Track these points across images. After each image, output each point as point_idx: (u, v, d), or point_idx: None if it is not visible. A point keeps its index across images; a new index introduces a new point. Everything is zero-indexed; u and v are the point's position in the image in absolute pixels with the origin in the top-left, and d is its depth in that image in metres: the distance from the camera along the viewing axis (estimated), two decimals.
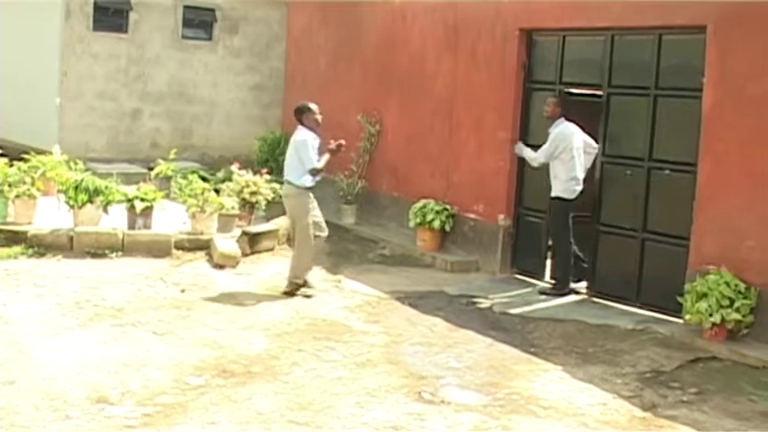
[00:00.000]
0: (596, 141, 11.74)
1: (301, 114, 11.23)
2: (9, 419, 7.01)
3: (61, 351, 8.57)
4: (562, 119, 11.83)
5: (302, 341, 9.41)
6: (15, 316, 9.52)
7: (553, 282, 12.10)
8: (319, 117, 11.26)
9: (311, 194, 11.21)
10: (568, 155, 11.69)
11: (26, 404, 7.31)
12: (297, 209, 11.19)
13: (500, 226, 12.91)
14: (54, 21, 17.41)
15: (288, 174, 11.22)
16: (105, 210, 12.39)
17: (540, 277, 12.56)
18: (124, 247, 12.04)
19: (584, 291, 11.88)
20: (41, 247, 11.76)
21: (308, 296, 11.07)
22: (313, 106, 11.28)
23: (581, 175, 11.77)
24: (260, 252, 12.83)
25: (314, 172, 11.07)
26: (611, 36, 11.54)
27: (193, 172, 14.68)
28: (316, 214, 11.28)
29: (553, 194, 11.84)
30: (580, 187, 11.77)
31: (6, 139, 17.81)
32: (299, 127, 11.21)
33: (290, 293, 11.05)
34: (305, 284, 11.22)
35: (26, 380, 7.82)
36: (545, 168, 12.36)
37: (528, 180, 12.85)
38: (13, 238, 11.88)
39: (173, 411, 7.39)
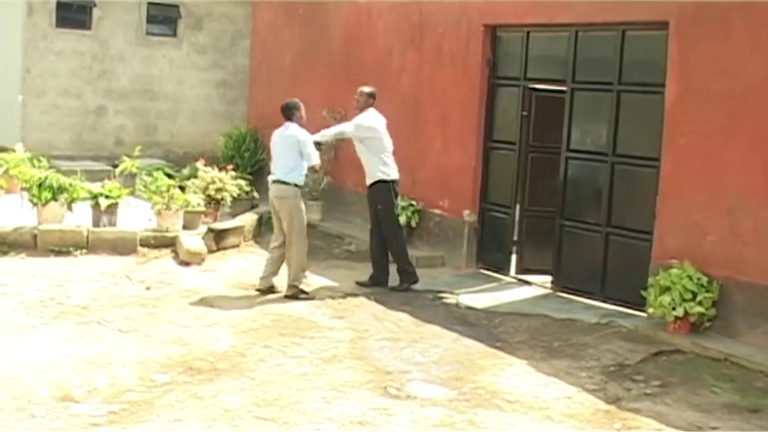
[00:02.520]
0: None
1: (292, 111, 11.22)
2: None
3: (25, 350, 8.52)
4: (370, 109, 11.84)
5: (268, 337, 9.42)
6: None
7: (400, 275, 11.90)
8: (304, 114, 11.39)
9: (300, 192, 11.26)
10: (376, 141, 11.71)
11: None
12: (294, 209, 11.11)
13: (465, 221, 12.95)
14: (16, 17, 17.27)
15: (281, 173, 11.07)
16: (69, 207, 12.32)
17: (506, 272, 12.63)
18: (89, 245, 11.98)
19: (550, 285, 11.95)
20: (4, 245, 11.68)
21: (310, 298, 11.01)
22: (300, 103, 11.34)
23: (391, 159, 11.83)
24: (226, 249, 12.81)
25: (315, 168, 11.28)
26: (575, 32, 11.61)
27: (158, 169, 14.64)
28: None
29: (371, 181, 11.81)
30: (396, 171, 11.83)
31: None
32: (288, 124, 11.17)
33: (292, 297, 10.95)
34: (301, 285, 11.13)
35: None
36: (510, 165, 12.43)
37: (493, 176, 12.91)
38: None
39: (139, 409, 7.37)
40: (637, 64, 10.95)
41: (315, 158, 11.14)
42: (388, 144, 11.77)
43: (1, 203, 12.46)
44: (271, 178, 11.21)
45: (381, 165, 11.67)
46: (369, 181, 11.77)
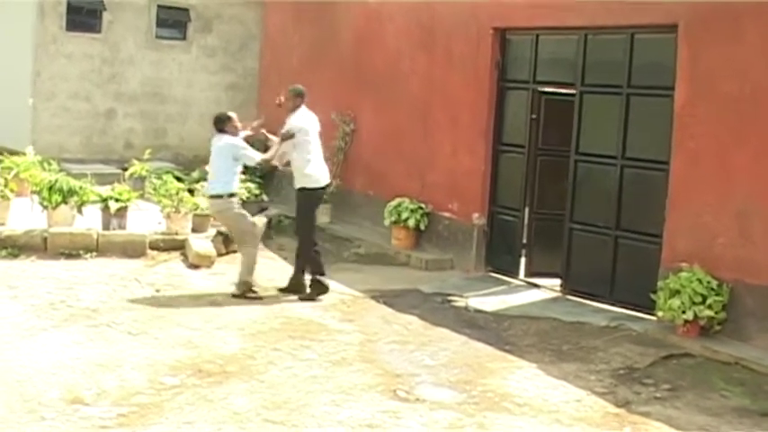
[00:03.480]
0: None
1: (223, 124, 11.15)
2: None
3: (36, 352, 8.54)
4: (301, 108, 11.42)
5: (277, 340, 9.42)
6: None
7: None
8: (239, 125, 11.28)
9: (236, 198, 11.21)
10: (304, 143, 11.31)
11: (0, 406, 7.28)
12: (233, 218, 11.11)
13: (475, 224, 12.95)
14: (27, 21, 17.32)
15: (212, 187, 11.09)
16: (79, 210, 12.34)
17: (515, 275, 12.62)
18: (99, 248, 12.00)
19: (559, 288, 11.94)
20: (15, 248, 11.70)
21: (258, 297, 10.95)
22: (233, 115, 11.28)
23: (321, 163, 11.41)
24: (235, 252, 12.75)
25: (263, 162, 11.27)
26: (584, 35, 11.61)
27: (168, 172, 14.64)
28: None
29: (297, 186, 11.42)
30: (325, 176, 11.48)
31: None
32: (220, 135, 11.11)
33: (240, 296, 10.89)
34: (253, 286, 11.08)
35: (0, 381, 7.79)
36: (519, 168, 12.44)
37: (502, 179, 12.91)
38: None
39: (148, 411, 7.38)
40: (646, 67, 10.94)
41: (253, 157, 11.06)
42: (316, 146, 11.39)
43: (11, 206, 12.47)
44: (204, 192, 11.23)
45: (308, 169, 11.23)
46: (295, 185, 11.42)
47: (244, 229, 11.12)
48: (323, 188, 11.50)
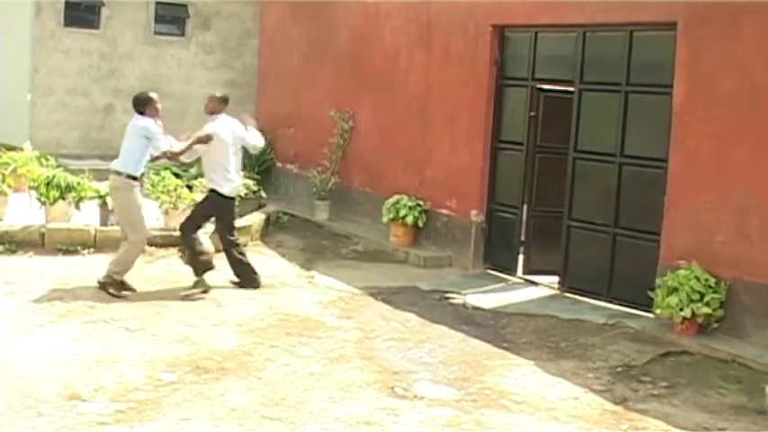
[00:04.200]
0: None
1: (144, 105, 10.77)
2: None
3: (33, 348, 8.54)
4: (221, 115, 11.21)
5: (275, 337, 9.42)
6: None
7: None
8: (159, 106, 10.97)
9: (139, 187, 10.84)
10: (218, 150, 11.07)
11: None
12: (126, 201, 10.70)
13: (473, 221, 12.94)
14: (25, 16, 17.32)
15: (115, 162, 10.71)
16: (77, 206, 12.35)
17: (513, 272, 12.61)
18: (96, 244, 12.01)
19: (557, 286, 11.94)
20: (12, 243, 11.70)
21: (118, 295, 10.39)
22: (154, 96, 10.97)
23: (229, 170, 11.10)
24: None
25: (170, 155, 10.89)
26: (583, 32, 11.60)
27: (166, 168, 14.63)
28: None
29: (208, 187, 11.32)
30: (234, 183, 11.21)
31: None
32: (139, 116, 10.75)
33: (102, 287, 10.43)
34: (123, 283, 10.61)
35: None
36: (517, 165, 12.45)
37: (500, 176, 12.91)
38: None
39: (145, 408, 7.38)
40: (645, 64, 10.93)
41: (161, 145, 10.72)
42: (228, 155, 11.09)
43: (9, 202, 12.46)
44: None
45: (230, 174, 11.08)
46: (210, 185, 11.23)
47: (132, 219, 10.68)
48: (232, 198, 11.29)
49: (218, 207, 11.20)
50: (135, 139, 10.68)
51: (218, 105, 11.24)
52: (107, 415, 7.19)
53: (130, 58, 18.08)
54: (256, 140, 11.64)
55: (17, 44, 17.63)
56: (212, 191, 11.16)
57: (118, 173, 10.66)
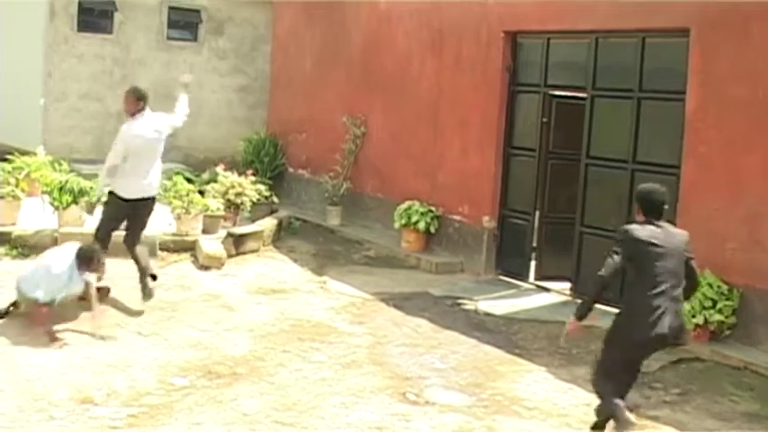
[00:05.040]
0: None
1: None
2: None
3: (45, 352, 8.56)
4: (143, 113, 10.28)
5: (287, 342, 9.44)
6: None
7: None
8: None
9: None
10: (135, 150, 10.15)
11: (10, 405, 7.31)
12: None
13: (485, 228, 12.94)
14: (38, 21, 17.36)
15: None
16: (90, 211, 12.34)
17: (525, 278, 12.60)
18: (108, 249, 12.00)
19: (569, 292, 11.92)
20: (25, 248, 11.71)
21: None
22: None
23: (138, 171, 10.17)
24: (245, 253, 12.82)
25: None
26: (596, 39, 11.60)
27: (178, 173, 14.65)
28: None
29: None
30: (137, 188, 10.22)
31: None
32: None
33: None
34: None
35: (10, 381, 7.83)
36: (530, 171, 12.44)
37: (512, 182, 12.90)
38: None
39: (158, 412, 7.40)
40: (657, 71, 10.93)
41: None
42: (144, 155, 10.18)
43: (22, 206, 12.49)
44: None
45: (121, 175, 10.11)
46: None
47: None
48: (127, 200, 10.23)
49: (110, 205, 10.32)
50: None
51: (133, 104, 10.29)
52: (119, 419, 7.22)
53: (143, 64, 18.10)
54: (182, 113, 11.02)
55: (31, 49, 17.67)
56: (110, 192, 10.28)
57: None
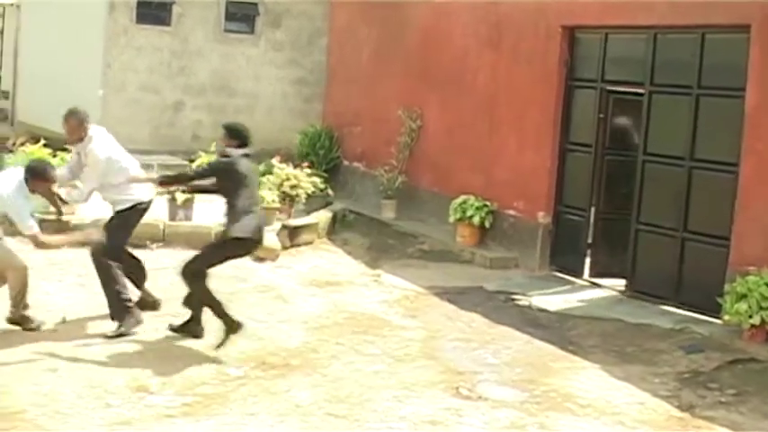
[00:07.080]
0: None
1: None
2: (53, 406, 7.12)
3: (102, 340, 8.67)
4: (92, 136, 9.37)
5: (341, 334, 9.47)
6: (59, 305, 9.64)
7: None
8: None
9: None
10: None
11: (68, 392, 7.41)
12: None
13: (540, 223, 12.89)
14: (98, 13, 17.56)
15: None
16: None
17: (579, 275, 12.53)
18: (164, 238, 12.15)
19: (623, 289, 11.84)
20: None
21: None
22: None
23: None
24: (300, 245, 12.89)
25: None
26: (654, 34, 11.49)
27: None
28: None
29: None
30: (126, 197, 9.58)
31: (50, 129, 17.91)
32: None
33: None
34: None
35: (68, 367, 7.93)
36: (586, 167, 12.37)
37: (568, 178, 12.84)
38: (56, 227, 11.96)
39: (212, 402, 7.46)
40: (717, 67, 10.81)
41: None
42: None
43: None
44: None
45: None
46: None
47: None
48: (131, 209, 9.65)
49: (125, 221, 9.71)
50: None
51: (76, 129, 9.37)
52: (174, 408, 7.29)
53: (201, 56, 18.23)
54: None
55: (90, 40, 17.87)
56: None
57: None
